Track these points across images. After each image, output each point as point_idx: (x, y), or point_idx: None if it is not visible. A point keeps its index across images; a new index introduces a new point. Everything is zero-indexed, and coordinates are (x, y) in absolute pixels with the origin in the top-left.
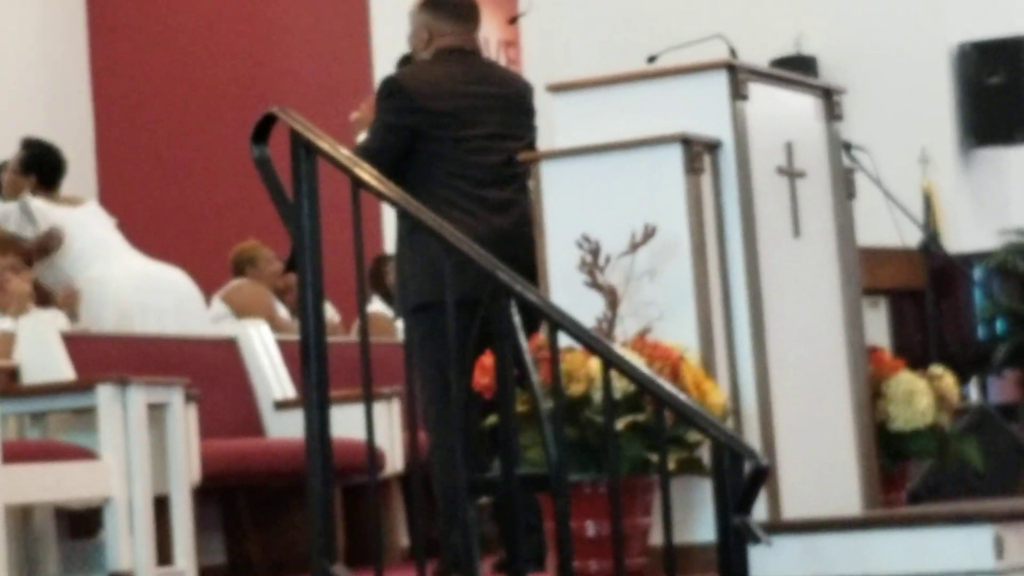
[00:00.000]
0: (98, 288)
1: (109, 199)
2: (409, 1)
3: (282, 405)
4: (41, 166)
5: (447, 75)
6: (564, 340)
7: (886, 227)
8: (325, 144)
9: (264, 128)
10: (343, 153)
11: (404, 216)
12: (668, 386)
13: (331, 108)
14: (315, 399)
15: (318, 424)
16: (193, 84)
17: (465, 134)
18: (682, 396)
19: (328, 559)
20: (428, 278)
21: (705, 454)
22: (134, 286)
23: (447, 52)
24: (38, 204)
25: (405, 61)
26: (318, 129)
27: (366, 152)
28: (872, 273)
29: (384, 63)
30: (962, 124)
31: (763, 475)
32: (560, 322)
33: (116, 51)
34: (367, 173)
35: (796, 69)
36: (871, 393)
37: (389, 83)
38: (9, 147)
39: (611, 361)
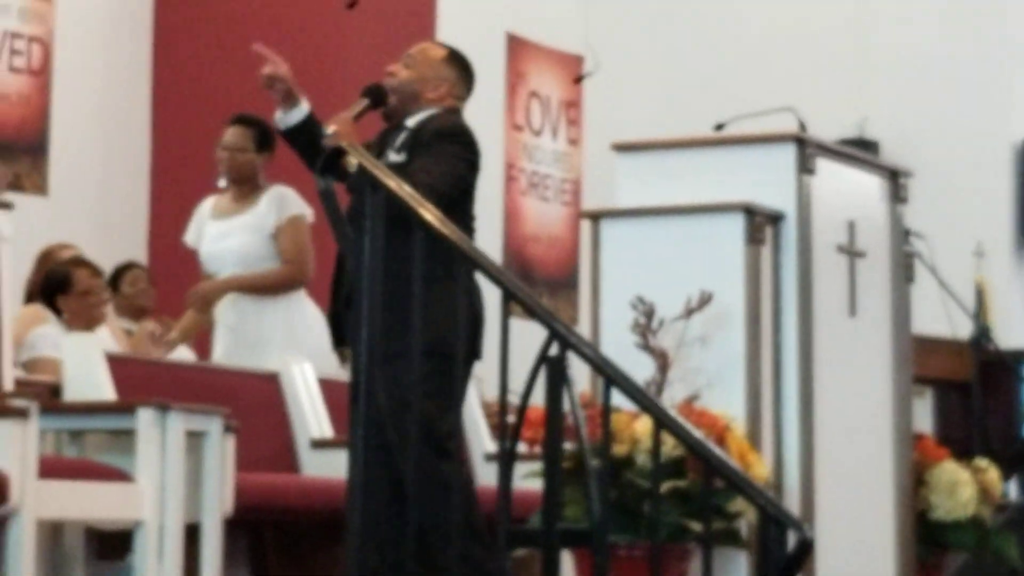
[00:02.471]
0: (310, 318)
1: (162, 219)
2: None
3: (319, 444)
4: (272, 143)
5: None
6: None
7: (937, 317)
8: (392, 183)
9: (331, 161)
10: (407, 191)
11: (464, 260)
12: (719, 452)
13: None
14: (362, 436)
15: (363, 459)
16: (255, 103)
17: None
18: (731, 463)
19: None
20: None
21: (743, 526)
22: (322, 326)
23: (458, 114)
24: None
25: (376, 93)
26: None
27: (435, 193)
28: (920, 362)
29: None
30: (1020, 221)
31: (808, 548)
32: (615, 379)
33: (177, 75)
34: (431, 214)
35: None
36: (914, 480)
37: (467, 132)
38: (68, 169)
39: (663, 422)
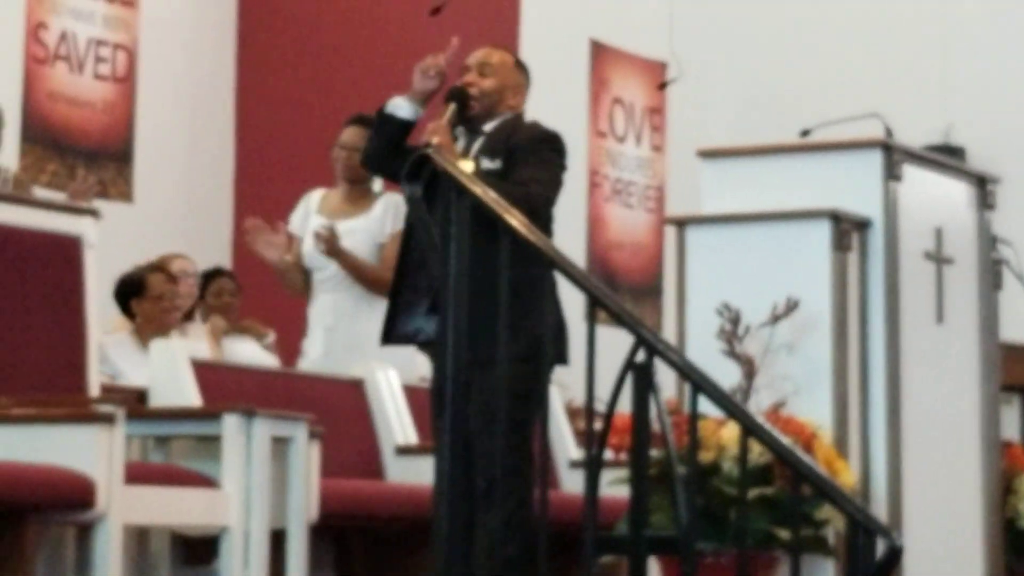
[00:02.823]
0: None
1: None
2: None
3: (403, 450)
4: None
5: None
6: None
7: (1023, 324)
8: (477, 189)
9: (417, 167)
10: (493, 197)
11: (550, 266)
12: (807, 459)
13: None
14: (449, 441)
15: (449, 467)
16: (339, 120)
17: None
18: (819, 470)
19: None
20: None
21: (831, 534)
22: None
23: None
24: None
25: (461, 96)
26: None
27: (549, 202)
28: (1008, 369)
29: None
30: None
31: (897, 555)
32: (701, 385)
33: (261, 81)
34: (517, 220)
35: None
36: (1002, 488)
37: (561, 138)
38: (153, 176)
39: (750, 429)
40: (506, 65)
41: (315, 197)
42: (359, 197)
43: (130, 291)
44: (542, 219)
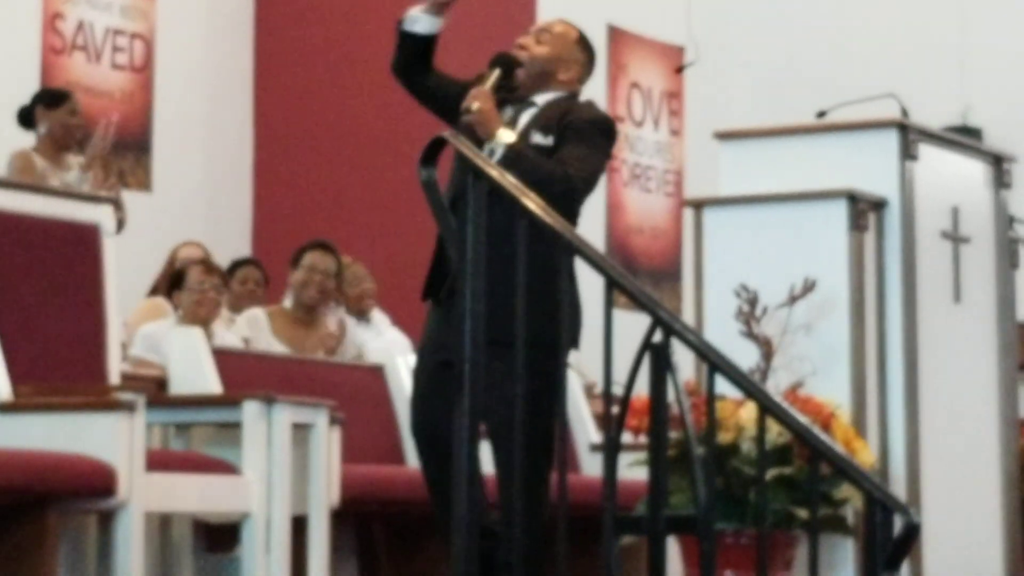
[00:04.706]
0: None
1: (266, 213)
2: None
3: None
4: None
5: None
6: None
7: None
8: (493, 171)
9: (433, 151)
10: (510, 180)
11: (566, 248)
12: (824, 437)
13: None
14: (466, 427)
15: (467, 452)
16: (357, 107)
17: None
18: (838, 449)
19: None
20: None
21: (850, 513)
22: None
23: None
24: None
25: (507, 62)
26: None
27: (589, 187)
28: None
29: None
30: None
31: (915, 532)
32: (719, 365)
33: (279, 70)
34: (533, 203)
35: None
36: (1020, 466)
37: (612, 122)
38: (171, 165)
39: (768, 408)
40: (566, 37)
41: (261, 320)
42: (312, 321)
43: (174, 284)
44: (576, 203)
